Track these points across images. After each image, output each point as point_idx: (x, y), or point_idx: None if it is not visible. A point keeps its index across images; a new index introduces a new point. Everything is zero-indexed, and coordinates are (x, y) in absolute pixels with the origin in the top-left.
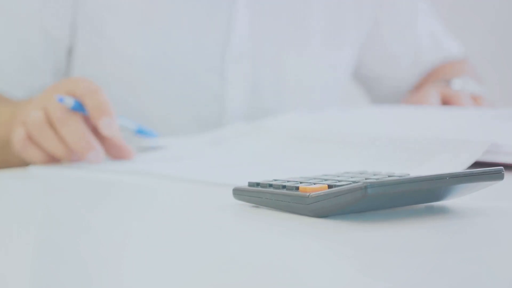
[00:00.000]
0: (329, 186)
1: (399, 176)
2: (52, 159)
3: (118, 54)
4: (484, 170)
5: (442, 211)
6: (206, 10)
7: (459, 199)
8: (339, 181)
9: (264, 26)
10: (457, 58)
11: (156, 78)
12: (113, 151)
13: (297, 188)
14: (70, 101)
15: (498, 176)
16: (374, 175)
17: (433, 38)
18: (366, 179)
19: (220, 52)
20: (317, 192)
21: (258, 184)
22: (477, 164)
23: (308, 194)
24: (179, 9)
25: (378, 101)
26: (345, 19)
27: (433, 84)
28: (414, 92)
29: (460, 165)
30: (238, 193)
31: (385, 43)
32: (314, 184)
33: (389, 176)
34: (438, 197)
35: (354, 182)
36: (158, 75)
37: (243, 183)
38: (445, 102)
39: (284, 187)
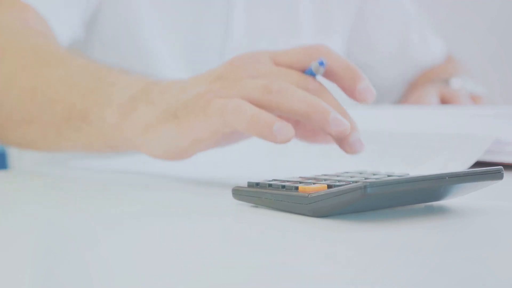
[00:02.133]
0: (329, 186)
1: (398, 176)
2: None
3: (115, 41)
4: (484, 170)
5: (442, 210)
6: (205, 5)
7: (459, 199)
8: (339, 181)
9: (259, 20)
10: (447, 57)
11: (157, 70)
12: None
13: (296, 188)
14: (322, 68)
15: (498, 175)
16: (374, 174)
17: (422, 37)
18: (365, 178)
19: (220, 46)
20: (317, 192)
21: (257, 184)
22: (477, 164)
23: (307, 194)
24: (177, 7)
25: None
26: (332, 8)
27: (432, 83)
28: (414, 92)
29: (465, 162)
30: (238, 193)
31: (368, 30)
32: (314, 184)
33: (388, 176)
34: (438, 197)
35: (353, 182)
36: (159, 67)
37: (242, 183)
38: (444, 101)
39: (283, 187)
